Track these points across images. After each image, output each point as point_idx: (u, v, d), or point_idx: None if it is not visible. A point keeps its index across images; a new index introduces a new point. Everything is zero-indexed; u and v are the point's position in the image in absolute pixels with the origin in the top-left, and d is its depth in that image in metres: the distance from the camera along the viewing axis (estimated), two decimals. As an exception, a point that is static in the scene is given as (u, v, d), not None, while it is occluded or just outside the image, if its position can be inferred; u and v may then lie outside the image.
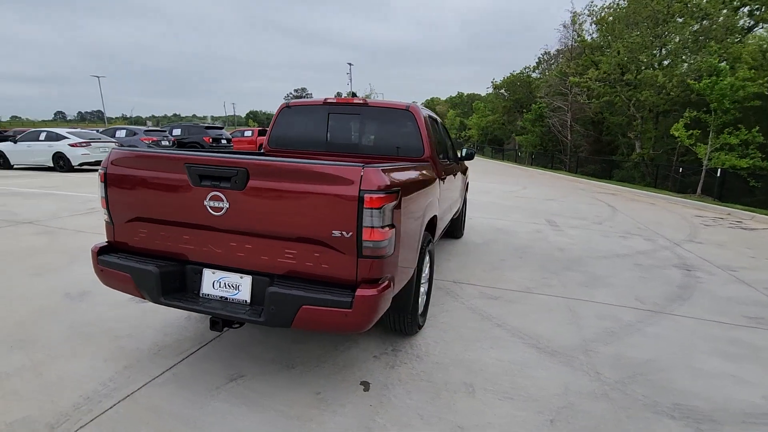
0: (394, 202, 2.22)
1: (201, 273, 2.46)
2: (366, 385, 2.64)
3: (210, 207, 2.31)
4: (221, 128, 20.71)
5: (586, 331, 3.55)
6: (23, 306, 3.53)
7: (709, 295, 4.58)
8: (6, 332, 3.09)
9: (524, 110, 36.45)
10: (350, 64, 43.38)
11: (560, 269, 5.25)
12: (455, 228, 6.21)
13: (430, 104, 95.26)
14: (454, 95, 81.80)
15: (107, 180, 2.54)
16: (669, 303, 4.29)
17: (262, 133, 20.95)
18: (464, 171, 6.03)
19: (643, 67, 20.68)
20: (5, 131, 24.62)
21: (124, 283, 2.50)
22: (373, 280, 2.23)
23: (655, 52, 21.18)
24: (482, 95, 58.23)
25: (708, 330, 3.67)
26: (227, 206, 2.28)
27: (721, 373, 2.96)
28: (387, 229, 2.20)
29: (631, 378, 2.85)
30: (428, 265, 3.49)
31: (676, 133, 15.04)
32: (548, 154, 31.29)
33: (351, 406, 2.43)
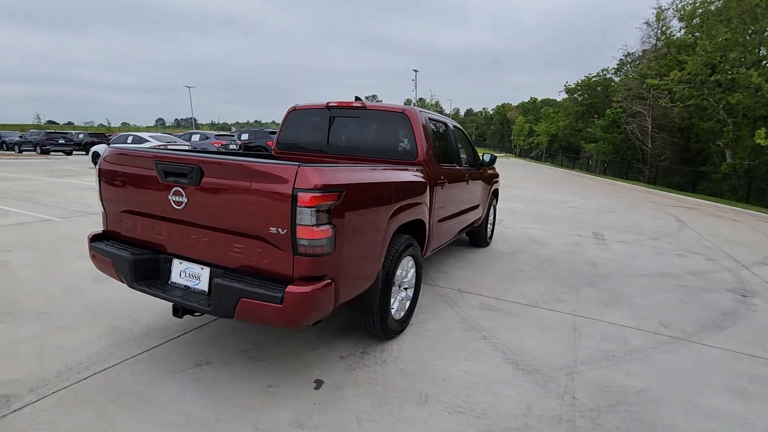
0: (332, 202, 2.23)
1: (171, 262, 2.66)
2: (319, 384, 2.66)
3: (173, 201, 2.49)
4: (285, 133, 21.86)
5: (581, 351, 3.25)
6: (59, 284, 4.05)
7: (756, 326, 3.97)
8: (34, 305, 3.56)
9: (597, 116, 33.96)
10: (416, 71, 43.75)
11: (582, 285, 4.85)
12: (477, 236, 5.99)
13: (501, 110, 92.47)
14: (526, 101, 78.40)
15: (100, 175, 2.85)
16: (700, 330, 3.79)
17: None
18: (487, 178, 5.79)
19: (740, 66, 18.38)
20: (110, 135, 28.17)
21: (108, 268, 2.77)
22: (313, 278, 2.26)
23: (757, 50, 18.75)
24: (558, 100, 55.06)
25: (733, 363, 3.19)
26: (186, 201, 2.45)
27: (725, 413, 2.56)
28: (325, 227, 2.21)
29: (611, 407, 2.56)
30: (412, 269, 3.43)
31: (762, 141, 13.15)
32: (625, 164, 28.88)
33: (296, 401, 2.47)
